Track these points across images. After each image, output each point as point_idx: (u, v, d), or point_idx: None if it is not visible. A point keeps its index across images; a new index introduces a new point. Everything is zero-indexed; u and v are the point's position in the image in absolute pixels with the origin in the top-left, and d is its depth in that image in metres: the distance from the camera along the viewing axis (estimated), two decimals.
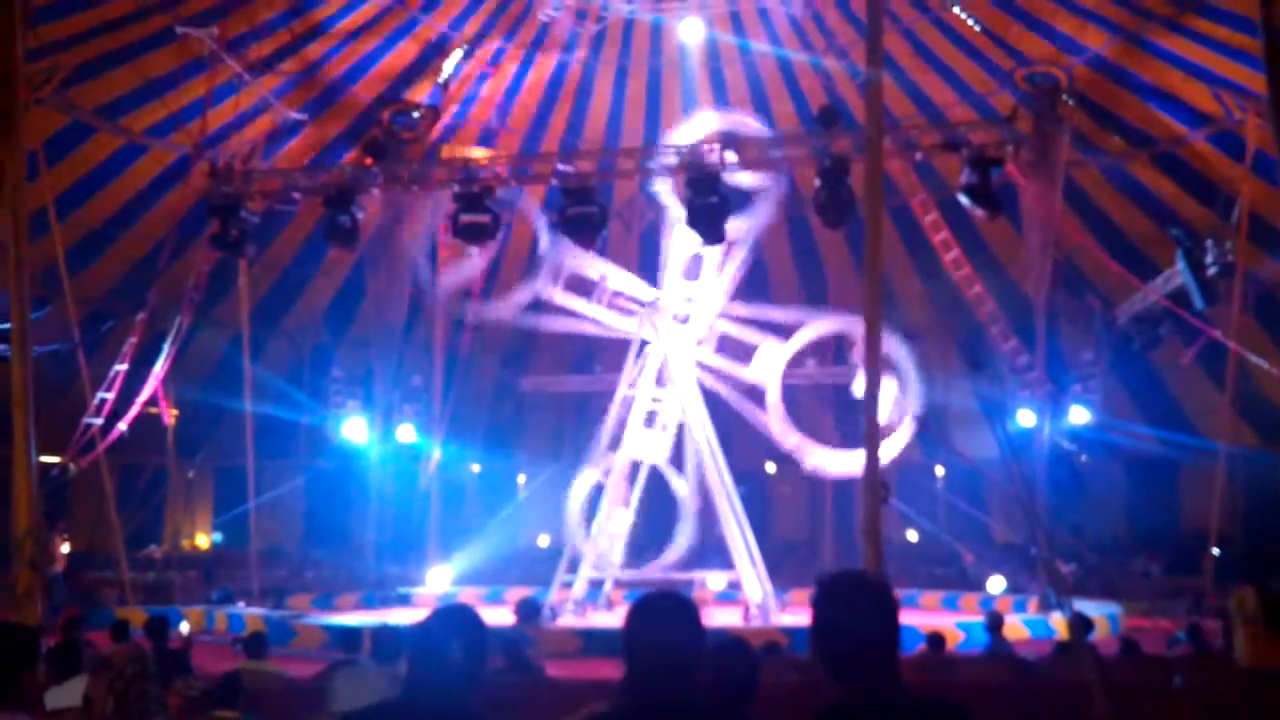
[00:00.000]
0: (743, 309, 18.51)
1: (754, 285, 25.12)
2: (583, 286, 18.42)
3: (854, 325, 16.31)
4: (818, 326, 17.89)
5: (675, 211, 17.14)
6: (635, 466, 18.44)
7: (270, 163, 20.71)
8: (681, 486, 17.81)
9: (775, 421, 17.48)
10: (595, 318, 18.46)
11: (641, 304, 18.46)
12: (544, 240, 18.31)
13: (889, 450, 16.33)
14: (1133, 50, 19.54)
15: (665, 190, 17.34)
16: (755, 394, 18.08)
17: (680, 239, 17.63)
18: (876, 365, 8.59)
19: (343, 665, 7.67)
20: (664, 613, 2.87)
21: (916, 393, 16.86)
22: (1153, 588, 20.19)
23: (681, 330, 18.27)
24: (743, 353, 18.40)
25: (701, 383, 18.40)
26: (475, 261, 19.41)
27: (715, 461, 17.76)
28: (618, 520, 18.30)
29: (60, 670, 6.51)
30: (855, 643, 2.64)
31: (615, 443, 18.21)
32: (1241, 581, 9.61)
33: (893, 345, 16.14)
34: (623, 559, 18.52)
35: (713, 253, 17.67)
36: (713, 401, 18.49)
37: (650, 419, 18.32)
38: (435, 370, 22.98)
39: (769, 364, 17.83)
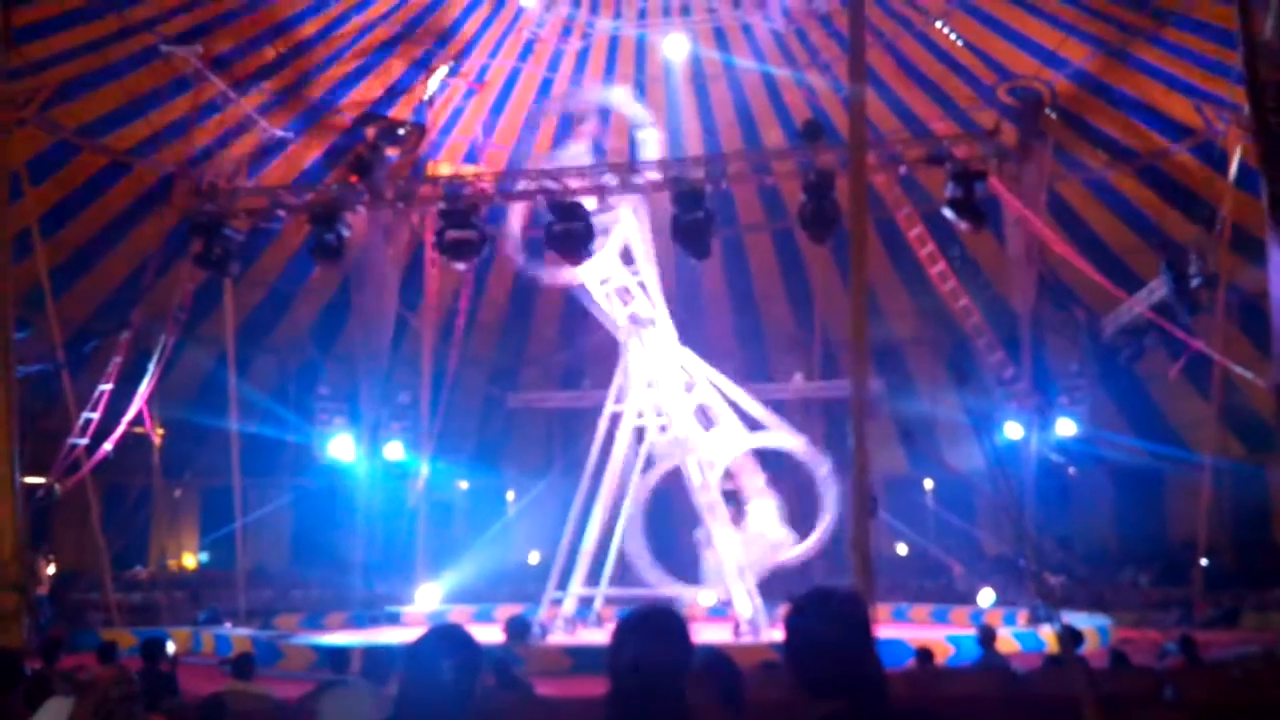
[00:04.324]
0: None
1: (740, 299, 25.31)
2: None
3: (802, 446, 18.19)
4: (770, 438, 18.34)
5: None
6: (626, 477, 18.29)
7: (255, 181, 20.67)
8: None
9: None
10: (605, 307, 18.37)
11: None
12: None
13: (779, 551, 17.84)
14: (1114, 64, 19.68)
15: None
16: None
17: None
18: (862, 375, 8.60)
19: (331, 685, 7.60)
20: (654, 628, 2.83)
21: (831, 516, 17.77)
22: (1141, 599, 20.21)
23: (664, 341, 18.15)
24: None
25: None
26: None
27: (704, 475, 17.71)
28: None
29: (32, 700, 6.43)
30: (827, 657, 2.60)
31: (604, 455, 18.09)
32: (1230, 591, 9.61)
33: (822, 468, 17.81)
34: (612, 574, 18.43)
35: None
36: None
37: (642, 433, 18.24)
38: (423, 387, 22.89)
39: (722, 449, 18.21)
